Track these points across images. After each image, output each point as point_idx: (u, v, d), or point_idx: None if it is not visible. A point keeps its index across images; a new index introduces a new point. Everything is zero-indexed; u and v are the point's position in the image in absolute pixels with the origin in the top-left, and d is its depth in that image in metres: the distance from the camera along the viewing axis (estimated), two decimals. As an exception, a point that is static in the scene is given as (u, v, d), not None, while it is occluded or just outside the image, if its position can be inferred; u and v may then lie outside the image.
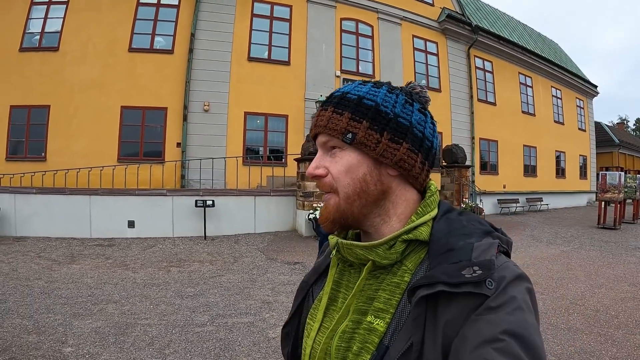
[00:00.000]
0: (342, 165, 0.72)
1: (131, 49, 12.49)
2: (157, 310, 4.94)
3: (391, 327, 0.67)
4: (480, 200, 14.13)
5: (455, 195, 12.63)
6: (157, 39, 12.86)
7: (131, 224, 9.94)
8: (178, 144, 12.40)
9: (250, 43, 13.32)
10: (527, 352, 0.54)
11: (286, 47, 13.78)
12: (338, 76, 14.35)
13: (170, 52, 12.69)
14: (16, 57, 12.15)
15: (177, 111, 12.48)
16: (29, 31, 12.43)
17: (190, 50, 12.62)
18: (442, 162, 13.35)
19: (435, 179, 14.67)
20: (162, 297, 5.45)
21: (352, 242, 0.74)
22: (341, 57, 14.65)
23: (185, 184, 12.15)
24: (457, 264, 0.63)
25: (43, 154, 11.94)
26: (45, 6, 12.49)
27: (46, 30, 12.44)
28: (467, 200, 13.14)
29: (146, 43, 12.70)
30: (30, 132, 12.10)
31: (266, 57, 13.51)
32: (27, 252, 8.15)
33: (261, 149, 13.38)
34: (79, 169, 10.88)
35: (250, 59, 13.22)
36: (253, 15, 13.51)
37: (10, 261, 7.37)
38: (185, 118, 12.35)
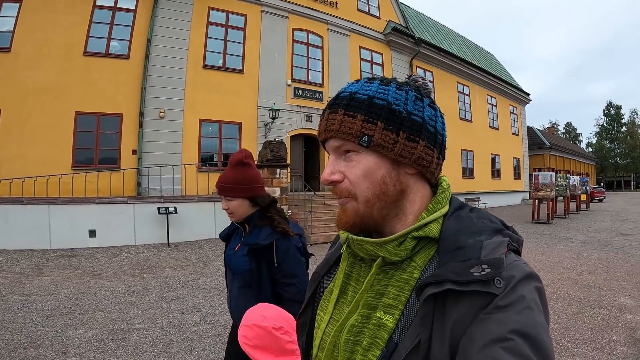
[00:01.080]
0: (360, 170, 0.71)
1: (86, 53, 12.29)
2: (146, 314, 5.07)
3: (400, 323, 0.67)
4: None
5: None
6: (112, 43, 12.72)
7: (92, 233, 9.80)
8: (134, 151, 12.44)
9: (205, 51, 13.67)
10: (536, 351, 0.54)
11: (240, 56, 14.31)
12: (289, 85, 15.11)
13: (126, 57, 12.59)
14: None
15: (132, 118, 12.46)
16: None
17: (147, 56, 12.63)
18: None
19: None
20: (147, 302, 5.56)
21: (362, 238, 0.74)
22: (292, 66, 15.40)
23: (141, 192, 12.25)
24: (466, 262, 0.63)
25: None
26: None
27: None
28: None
29: (102, 47, 12.53)
30: None
31: (221, 65, 13.96)
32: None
33: (216, 155, 13.69)
34: (36, 177, 10.44)
35: (206, 66, 13.60)
36: (209, 23, 13.88)
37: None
38: (141, 125, 12.40)
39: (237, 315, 1.90)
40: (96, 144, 12.28)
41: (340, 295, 0.79)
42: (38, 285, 6.55)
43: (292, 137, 15.26)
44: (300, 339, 0.92)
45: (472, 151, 22.94)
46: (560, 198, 18.07)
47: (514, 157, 27.23)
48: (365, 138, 0.69)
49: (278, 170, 10.51)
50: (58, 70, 11.90)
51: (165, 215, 10.18)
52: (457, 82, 22.79)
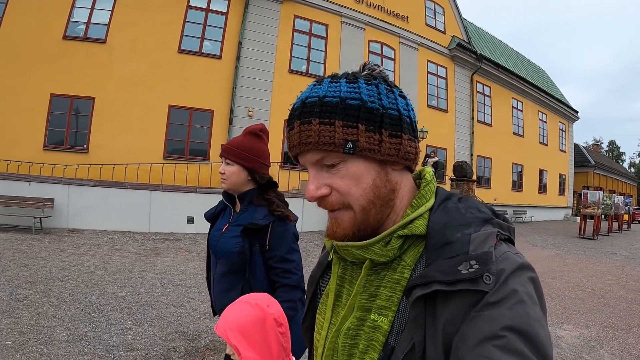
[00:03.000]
0: (349, 179, 0.67)
1: (180, 50, 13.15)
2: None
3: (395, 326, 0.66)
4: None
5: (463, 205, 14.60)
6: (205, 43, 13.64)
7: (190, 220, 10.38)
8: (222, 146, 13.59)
9: (291, 56, 14.87)
10: (530, 346, 0.52)
11: (322, 63, 15.48)
12: (365, 93, 16.08)
13: (218, 57, 13.59)
14: (60, 45, 12.13)
15: (223, 114, 13.53)
16: (74, 20, 12.44)
17: (238, 58, 13.69)
18: (452, 176, 15.33)
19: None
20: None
21: (347, 242, 0.71)
22: (367, 75, 16.38)
23: None
24: (453, 258, 0.61)
25: (85, 146, 12.17)
26: None
27: (92, 21, 12.51)
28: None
29: (195, 46, 13.44)
30: (71, 123, 12.24)
31: (305, 71, 15.13)
32: (99, 245, 8.25)
33: None
34: (126, 164, 11.28)
35: (291, 71, 14.79)
36: (294, 30, 15.06)
37: (89, 253, 7.43)
38: (230, 122, 13.56)
39: (218, 304, 1.82)
40: (187, 137, 13.26)
41: (336, 298, 0.78)
42: (163, 265, 7.01)
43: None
44: (307, 342, 0.93)
45: (522, 165, 23.54)
46: (603, 216, 18.67)
47: (560, 174, 27.59)
48: (350, 145, 0.65)
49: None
50: (152, 64, 12.71)
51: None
52: (512, 98, 23.39)
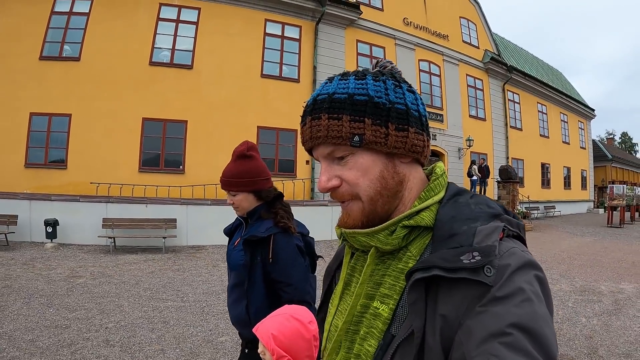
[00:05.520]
0: (357, 170, 0.71)
1: (263, 75, 14.60)
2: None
3: (397, 314, 0.68)
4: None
5: (510, 204, 16.88)
6: (284, 68, 15.14)
7: None
8: (307, 162, 14.83)
9: (357, 79, 17.02)
10: (536, 345, 0.53)
11: (382, 84, 17.62)
12: (419, 109, 18.37)
13: (296, 80, 15.14)
14: (147, 71, 13.15)
15: None
16: (157, 46, 13.52)
17: (314, 81, 15.28)
18: (498, 178, 17.67)
19: (492, 191, 19.00)
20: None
21: (354, 230, 0.74)
22: (420, 92, 18.61)
23: (313, 196, 14.52)
24: (457, 249, 0.63)
25: (181, 167, 13.22)
26: (174, 24, 13.77)
27: (177, 47, 13.65)
28: (518, 207, 17.48)
29: (275, 71, 14.99)
30: (166, 145, 13.21)
31: (369, 92, 17.27)
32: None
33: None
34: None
35: (358, 93, 16.95)
36: (358, 53, 17.25)
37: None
38: None
39: (230, 314, 1.87)
40: (276, 154, 14.68)
41: (345, 287, 0.81)
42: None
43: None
44: (321, 334, 0.93)
45: (549, 164, 25.95)
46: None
47: (581, 169, 29.87)
48: (356, 138, 0.68)
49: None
50: (239, 88, 13.82)
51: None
52: (537, 102, 25.71)
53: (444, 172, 0.79)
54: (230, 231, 2.05)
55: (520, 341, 0.53)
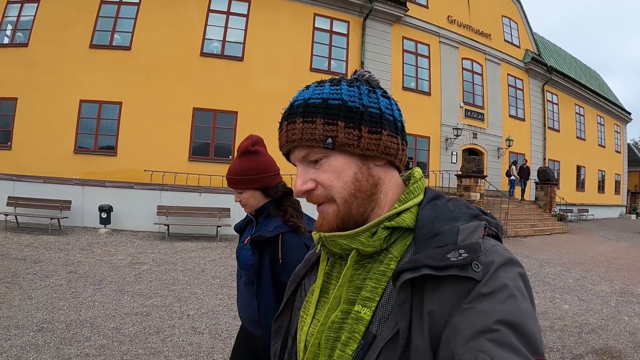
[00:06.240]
0: (331, 172, 0.72)
1: (312, 69, 14.78)
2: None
3: (377, 315, 0.67)
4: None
5: (548, 206, 16.87)
6: (332, 62, 15.43)
7: None
8: None
9: (403, 75, 17.23)
10: (523, 340, 0.54)
11: (427, 80, 17.87)
12: (461, 107, 18.54)
13: (344, 75, 16.01)
14: (198, 61, 13.35)
15: None
16: (208, 37, 13.75)
17: None
18: (536, 179, 17.65)
19: (529, 192, 18.97)
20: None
21: (334, 233, 0.73)
22: (463, 90, 18.78)
23: None
24: (443, 247, 0.63)
25: (230, 157, 13.10)
26: (225, 16, 13.96)
27: (227, 39, 13.91)
28: (555, 209, 17.43)
29: (324, 65, 15.23)
30: (216, 135, 13.46)
31: (414, 87, 17.55)
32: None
33: (411, 162, 16.66)
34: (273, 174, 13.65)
35: (404, 88, 17.17)
36: (404, 50, 17.37)
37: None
38: None
39: (242, 313, 1.85)
40: None
41: (321, 295, 0.79)
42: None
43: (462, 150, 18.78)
44: (274, 346, 0.92)
45: (584, 167, 25.65)
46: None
47: (615, 174, 29.43)
48: (329, 140, 0.69)
49: (479, 180, 13.90)
50: (287, 81, 13.33)
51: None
52: (575, 104, 25.36)
53: (422, 177, 0.81)
54: (240, 228, 2.00)
55: (507, 337, 0.54)
